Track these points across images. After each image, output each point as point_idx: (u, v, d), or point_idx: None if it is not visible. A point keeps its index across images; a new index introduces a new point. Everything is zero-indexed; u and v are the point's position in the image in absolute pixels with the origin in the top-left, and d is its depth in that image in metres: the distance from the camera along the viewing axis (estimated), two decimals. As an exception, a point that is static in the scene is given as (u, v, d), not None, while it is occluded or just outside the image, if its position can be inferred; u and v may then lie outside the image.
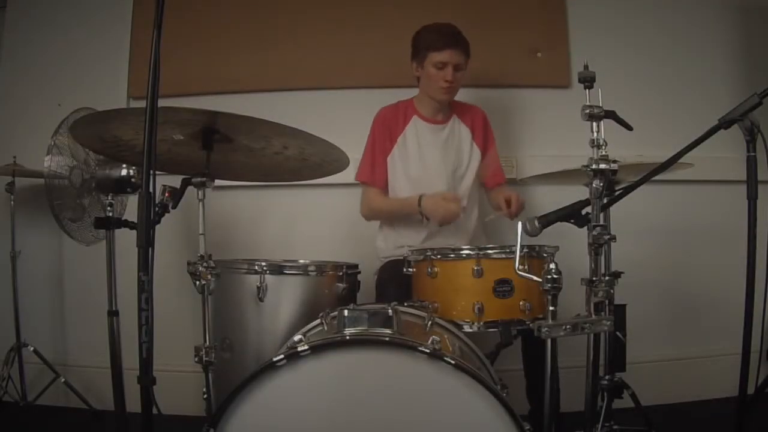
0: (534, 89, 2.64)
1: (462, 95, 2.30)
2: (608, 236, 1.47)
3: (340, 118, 2.54)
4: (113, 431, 1.96)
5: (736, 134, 1.49)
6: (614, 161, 1.47)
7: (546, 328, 1.27)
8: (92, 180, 1.92)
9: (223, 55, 2.65)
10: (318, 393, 1.23)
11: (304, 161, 1.75)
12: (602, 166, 1.46)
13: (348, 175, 2.00)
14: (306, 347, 1.21)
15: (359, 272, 1.87)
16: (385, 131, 2.19)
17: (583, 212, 1.53)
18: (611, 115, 1.54)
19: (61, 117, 1.92)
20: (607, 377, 1.73)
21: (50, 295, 2.68)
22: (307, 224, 2.62)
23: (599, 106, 1.50)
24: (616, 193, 1.59)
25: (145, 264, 1.14)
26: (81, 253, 2.27)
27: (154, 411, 1.20)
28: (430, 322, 1.43)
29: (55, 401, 2.52)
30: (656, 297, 2.57)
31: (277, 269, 1.67)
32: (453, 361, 1.20)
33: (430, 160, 2.17)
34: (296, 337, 1.30)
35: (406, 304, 1.60)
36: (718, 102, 1.79)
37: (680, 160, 1.51)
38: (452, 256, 1.65)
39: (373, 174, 2.18)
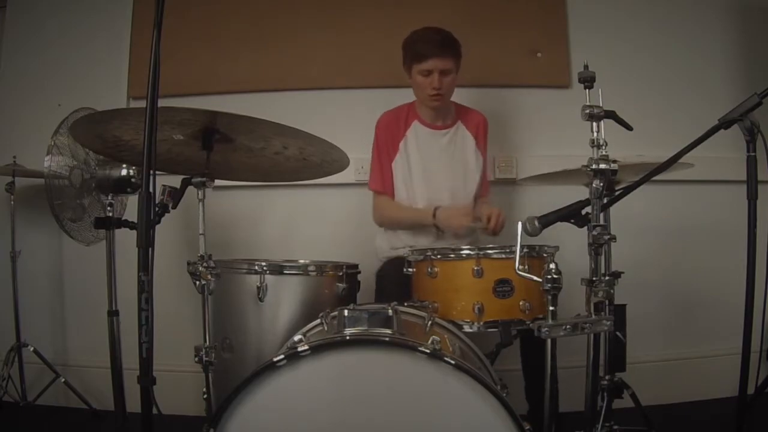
0: (534, 89, 2.64)
1: (462, 95, 2.30)
2: (608, 236, 1.47)
3: (340, 118, 2.55)
4: (113, 431, 1.96)
5: (736, 134, 1.49)
6: (614, 161, 1.47)
7: (546, 328, 1.26)
8: (92, 180, 1.92)
9: (223, 55, 2.65)
10: (318, 393, 1.23)
11: (304, 161, 1.75)
12: (602, 166, 1.46)
13: (348, 175, 2.00)
14: (306, 347, 1.21)
15: (359, 272, 1.87)
16: (388, 137, 2.18)
17: (583, 212, 1.53)
18: (611, 115, 1.54)
19: (61, 117, 1.92)
20: (607, 377, 1.73)
21: (50, 295, 2.68)
22: (307, 224, 2.62)
23: (599, 106, 1.49)
24: (616, 193, 1.59)
25: (145, 264, 1.14)
26: (81, 253, 2.28)
27: (154, 411, 1.20)
28: (430, 322, 1.43)
29: (55, 401, 2.52)
30: (656, 297, 2.57)
31: (277, 269, 1.67)
32: (453, 361, 1.20)
33: (432, 165, 2.17)
34: (296, 337, 1.30)
35: (406, 304, 1.60)
36: (718, 102, 1.79)
37: (680, 160, 1.51)
38: (452, 256, 1.65)
39: (383, 182, 2.18)
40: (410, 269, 1.77)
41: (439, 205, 2.06)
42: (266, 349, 1.58)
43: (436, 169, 2.16)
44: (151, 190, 1.18)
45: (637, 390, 1.83)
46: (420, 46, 2.05)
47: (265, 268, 1.63)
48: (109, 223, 1.84)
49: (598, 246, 1.47)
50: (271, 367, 1.21)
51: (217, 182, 1.66)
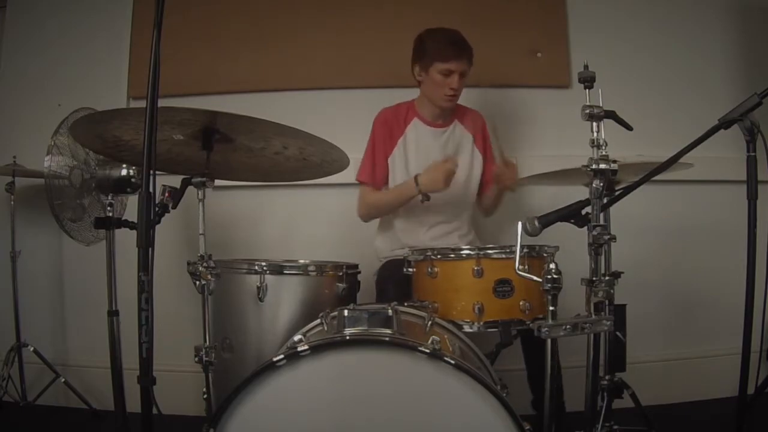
0: (534, 89, 2.64)
1: (462, 95, 2.29)
2: (608, 236, 1.46)
3: (340, 118, 2.54)
4: (113, 431, 1.96)
5: (736, 134, 1.49)
6: (614, 161, 1.47)
7: (546, 328, 1.26)
8: (92, 180, 1.92)
9: (223, 55, 2.65)
10: (318, 393, 1.23)
11: (304, 161, 1.75)
12: (602, 166, 1.45)
13: (348, 175, 2.00)
14: (306, 347, 1.21)
15: (359, 272, 1.87)
16: (386, 132, 2.18)
17: (583, 212, 1.53)
18: (611, 115, 1.54)
19: (61, 117, 1.92)
20: (607, 377, 1.73)
21: (50, 295, 2.68)
22: (307, 224, 2.62)
23: (599, 106, 1.49)
24: (616, 193, 1.59)
25: (145, 264, 1.14)
26: (81, 253, 2.28)
27: (154, 411, 1.20)
28: (430, 322, 1.43)
29: (55, 401, 2.52)
30: (656, 297, 2.57)
31: (277, 269, 1.67)
32: (453, 361, 1.20)
33: (430, 162, 2.16)
34: (296, 337, 1.30)
35: (406, 304, 1.60)
36: (718, 102, 1.79)
37: (680, 160, 1.51)
38: (452, 256, 1.65)
39: (373, 174, 2.17)
40: (410, 269, 1.77)
41: (418, 173, 2.02)
42: (266, 349, 1.58)
43: None
44: (151, 190, 1.18)
45: (637, 390, 1.83)
46: (445, 46, 2.05)
47: (265, 268, 1.63)
48: (109, 223, 1.84)
49: (598, 246, 1.47)
50: (271, 367, 1.21)
51: (217, 182, 1.65)
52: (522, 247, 1.46)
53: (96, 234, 2.01)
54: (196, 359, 1.55)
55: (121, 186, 1.90)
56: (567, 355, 1.80)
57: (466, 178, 2.19)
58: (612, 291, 1.52)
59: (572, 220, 1.53)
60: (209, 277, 1.57)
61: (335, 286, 1.72)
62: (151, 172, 1.17)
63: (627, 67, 2.59)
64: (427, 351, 1.19)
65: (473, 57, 2.10)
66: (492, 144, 2.26)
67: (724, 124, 1.50)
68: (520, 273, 1.40)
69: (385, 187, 2.20)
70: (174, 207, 1.59)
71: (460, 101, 2.23)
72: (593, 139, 1.49)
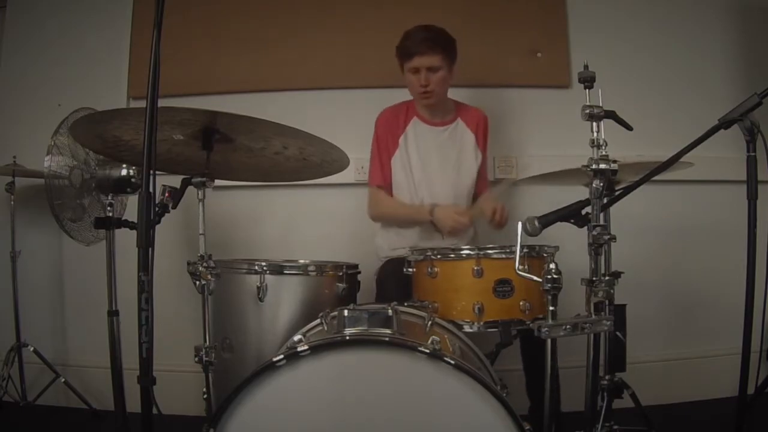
0: (534, 89, 2.64)
1: (462, 95, 2.30)
2: (608, 236, 1.47)
3: (340, 118, 2.55)
4: (113, 431, 1.96)
5: (736, 134, 1.49)
6: (614, 161, 1.47)
7: (546, 328, 1.27)
8: (92, 180, 1.92)
9: (223, 55, 2.65)
10: (318, 393, 1.23)
11: (304, 161, 1.75)
12: (602, 166, 1.46)
13: (348, 175, 2.01)
14: (306, 347, 1.21)
15: (359, 272, 1.87)
16: (388, 132, 2.19)
17: (583, 212, 1.53)
18: (611, 115, 1.54)
19: (61, 117, 1.92)
20: (607, 377, 1.73)
21: (50, 295, 2.68)
22: (307, 224, 2.62)
23: (599, 106, 1.50)
24: (616, 193, 1.59)
25: (145, 264, 1.14)
26: (81, 253, 2.27)
27: (154, 411, 1.20)
28: (430, 322, 1.43)
29: (55, 401, 2.52)
30: (656, 297, 2.57)
31: (277, 269, 1.67)
32: (453, 361, 1.20)
33: (431, 161, 2.17)
34: (296, 337, 1.30)
35: (406, 304, 1.60)
36: (718, 102, 1.79)
37: (680, 160, 1.51)
38: (452, 256, 1.65)
39: (383, 177, 2.19)
40: (410, 269, 1.77)
41: (436, 203, 2.07)
42: (266, 349, 1.58)
43: (435, 165, 2.17)
44: (151, 190, 1.18)
45: (637, 390, 1.83)
46: (407, 44, 2.07)
47: (265, 268, 1.63)
48: (109, 223, 1.84)
49: (598, 246, 1.48)
50: (270, 367, 1.21)
51: (217, 182, 1.66)
52: (522, 247, 1.46)
53: (96, 234, 2.01)
54: (196, 359, 1.55)
55: (121, 186, 1.90)
56: (567, 355, 1.80)
57: (462, 176, 2.19)
58: (612, 291, 1.52)
59: (572, 220, 1.54)
60: (209, 277, 1.57)
61: (335, 286, 1.72)
62: (151, 172, 1.17)
63: (627, 67, 2.59)
64: (427, 351, 1.19)
65: (452, 50, 2.09)
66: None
67: (724, 124, 1.50)
68: (520, 273, 1.40)
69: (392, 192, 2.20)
70: (174, 207, 1.59)
71: (462, 99, 2.23)
72: (593, 139, 1.49)
